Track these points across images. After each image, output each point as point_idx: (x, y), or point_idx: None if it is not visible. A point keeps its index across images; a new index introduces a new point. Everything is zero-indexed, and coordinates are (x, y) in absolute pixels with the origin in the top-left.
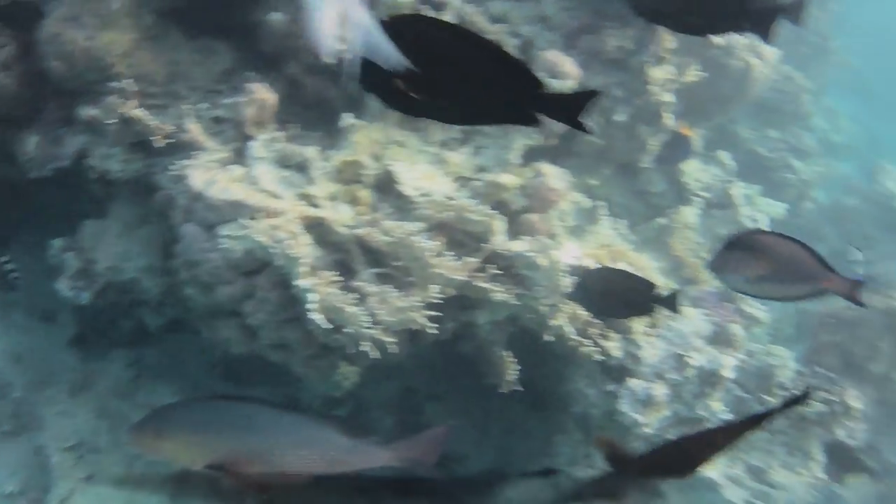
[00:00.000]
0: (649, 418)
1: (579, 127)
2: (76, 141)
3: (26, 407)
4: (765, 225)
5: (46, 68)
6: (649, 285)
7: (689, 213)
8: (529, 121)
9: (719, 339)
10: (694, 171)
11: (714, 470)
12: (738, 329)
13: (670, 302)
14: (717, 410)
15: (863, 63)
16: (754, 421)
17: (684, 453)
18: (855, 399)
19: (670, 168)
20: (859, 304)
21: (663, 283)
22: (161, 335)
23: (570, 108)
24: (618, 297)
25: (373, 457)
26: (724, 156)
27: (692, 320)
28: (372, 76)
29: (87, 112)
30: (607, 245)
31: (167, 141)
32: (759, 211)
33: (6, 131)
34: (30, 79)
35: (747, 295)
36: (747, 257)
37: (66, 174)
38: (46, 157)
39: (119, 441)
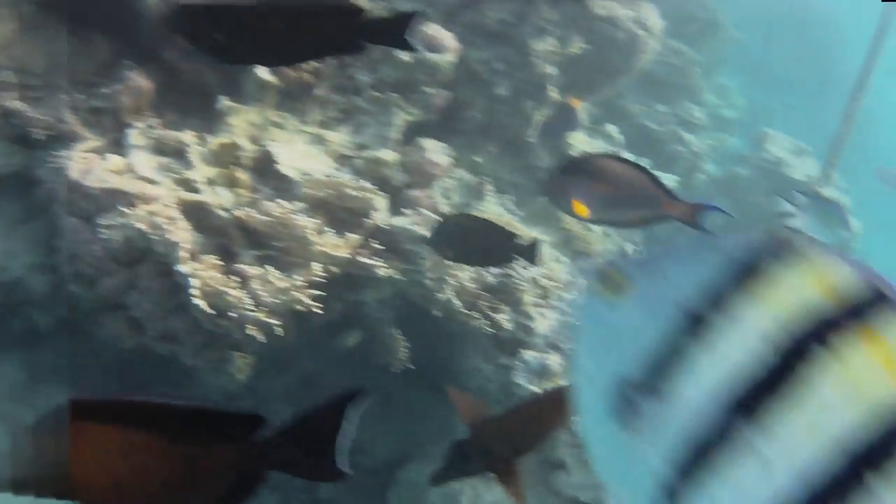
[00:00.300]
0: (546, 388)
1: (405, 46)
2: None
3: None
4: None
5: None
6: (509, 235)
7: None
8: (356, 50)
9: None
10: (581, 145)
11: None
12: None
13: (530, 252)
14: None
15: (751, 38)
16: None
17: (543, 411)
18: None
19: (557, 141)
20: (701, 229)
21: (527, 234)
22: (54, 335)
23: (394, 30)
24: (476, 244)
25: None
26: (612, 129)
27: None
28: (186, 22)
29: None
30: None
31: (47, 133)
32: None
33: None
34: None
35: (583, 221)
36: (584, 181)
37: None
38: None
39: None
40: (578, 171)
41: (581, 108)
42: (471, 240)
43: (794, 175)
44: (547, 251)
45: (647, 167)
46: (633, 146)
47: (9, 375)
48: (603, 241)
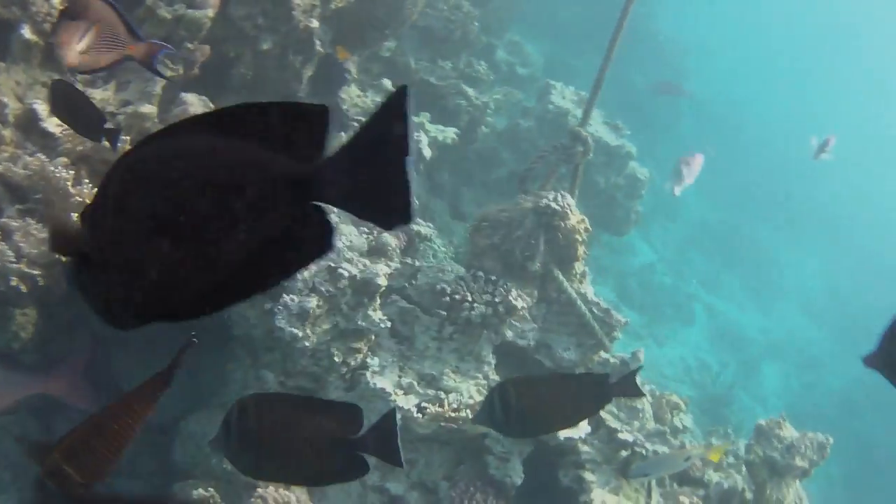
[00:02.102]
0: (308, 332)
1: None
2: None
3: None
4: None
5: None
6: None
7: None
8: None
9: (373, 250)
10: (353, 98)
11: (385, 380)
12: (389, 238)
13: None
14: (378, 320)
15: None
16: (163, 378)
17: (106, 427)
18: (517, 299)
19: (328, 94)
20: (157, 74)
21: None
22: None
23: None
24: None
25: (28, 386)
26: (387, 83)
27: (346, 235)
28: None
29: None
30: None
31: None
32: (421, 133)
33: None
34: None
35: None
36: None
37: None
38: None
39: None
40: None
41: (350, 60)
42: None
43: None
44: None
45: (120, 9)
46: (414, 102)
47: None
48: None
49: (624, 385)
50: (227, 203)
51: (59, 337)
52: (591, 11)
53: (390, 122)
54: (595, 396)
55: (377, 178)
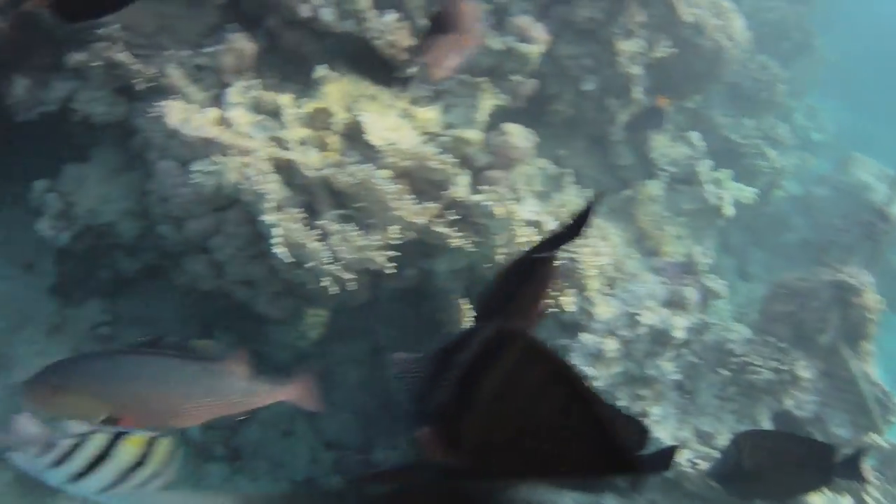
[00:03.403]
0: (600, 372)
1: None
2: (64, 86)
3: (3, 348)
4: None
5: (38, 13)
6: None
7: (655, 187)
8: None
9: (673, 302)
10: (662, 147)
11: (664, 431)
12: (691, 292)
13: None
14: (667, 371)
15: (847, 60)
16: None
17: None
18: (804, 369)
19: (640, 140)
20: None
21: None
22: (137, 283)
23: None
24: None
25: (269, 395)
26: (694, 136)
27: (648, 284)
28: None
29: (75, 58)
30: (566, 204)
31: (149, 85)
32: (724, 190)
33: None
34: (22, 23)
35: None
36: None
37: (53, 119)
38: (34, 100)
39: None
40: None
41: (668, 107)
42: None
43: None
44: (618, 243)
45: None
46: (714, 155)
47: (91, 318)
48: (674, 242)
49: (847, 467)
50: None
51: (337, 344)
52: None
53: None
54: (818, 469)
55: None
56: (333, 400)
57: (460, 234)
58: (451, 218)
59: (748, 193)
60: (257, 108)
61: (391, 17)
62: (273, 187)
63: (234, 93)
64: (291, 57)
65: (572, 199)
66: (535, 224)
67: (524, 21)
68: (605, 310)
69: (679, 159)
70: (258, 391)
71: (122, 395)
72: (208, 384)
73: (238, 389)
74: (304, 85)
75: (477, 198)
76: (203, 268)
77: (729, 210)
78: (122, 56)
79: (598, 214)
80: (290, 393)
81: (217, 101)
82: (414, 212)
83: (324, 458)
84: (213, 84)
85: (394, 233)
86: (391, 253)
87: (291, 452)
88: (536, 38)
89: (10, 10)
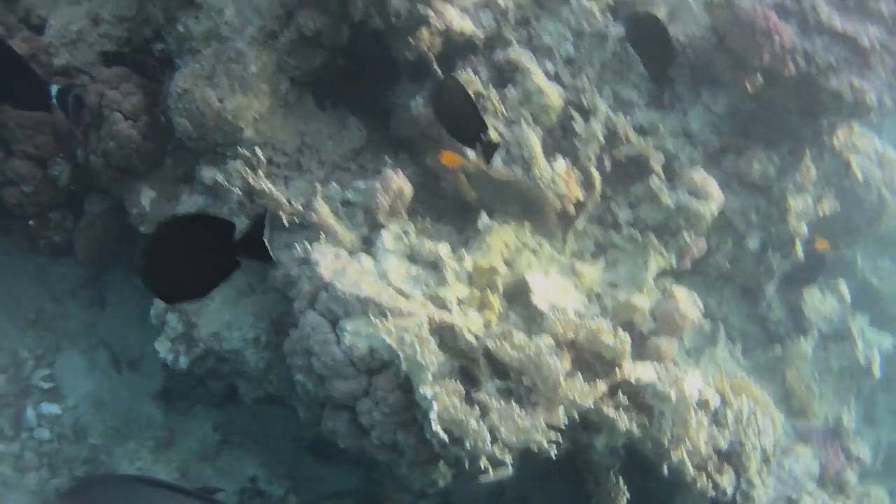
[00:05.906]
0: None
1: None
2: (193, 201)
3: (104, 456)
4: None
5: (171, 123)
6: None
7: (805, 345)
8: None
9: (829, 481)
10: (814, 301)
11: None
12: (851, 476)
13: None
14: None
15: None
16: None
17: None
18: None
19: (792, 294)
20: None
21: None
22: (256, 404)
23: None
24: None
25: None
26: (843, 285)
27: (803, 459)
28: None
29: (210, 174)
30: (729, 376)
31: (293, 219)
32: (869, 346)
33: (123, 182)
34: (153, 132)
35: None
36: None
37: None
38: (160, 214)
39: None
40: None
41: (827, 252)
42: None
43: None
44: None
45: None
46: (855, 302)
47: (200, 434)
48: (821, 402)
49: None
50: None
51: None
52: None
53: None
54: None
55: None
56: None
57: (627, 417)
58: (622, 401)
59: (886, 341)
60: (413, 257)
61: (561, 165)
62: (432, 359)
63: (389, 238)
64: (447, 196)
65: (724, 357)
66: (705, 405)
67: (699, 176)
68: (763, 492)
69: (828, 314)
70: None
71: None
72: None
73: None
74: (458, 228)
75: (647, 378)
76: (343, 426)
77: (878, 372)
78: (265, 185)
79: (747, 371)
80: None
81: (367, 243)
82: (583, 393)
83: None
84: (363, 223)
85: (560, 415)
86: (553, 434)
87: None
88: (710, 195)
89: (143, 115)
